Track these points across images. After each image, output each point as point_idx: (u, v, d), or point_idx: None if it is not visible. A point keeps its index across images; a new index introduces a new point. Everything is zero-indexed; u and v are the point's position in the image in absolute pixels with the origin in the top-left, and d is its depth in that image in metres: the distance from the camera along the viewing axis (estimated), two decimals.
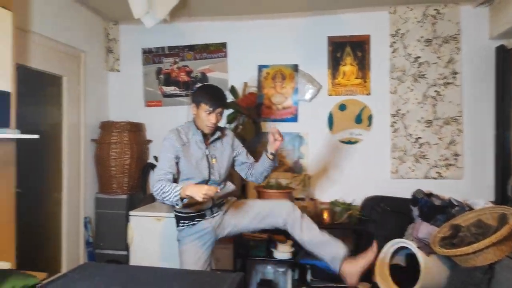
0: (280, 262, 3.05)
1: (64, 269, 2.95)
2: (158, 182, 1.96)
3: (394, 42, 3.23)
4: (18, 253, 2.15)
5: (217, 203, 2.19)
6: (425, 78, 3.18)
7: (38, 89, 2.93)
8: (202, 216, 2.16)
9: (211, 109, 2.06)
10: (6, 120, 2.07)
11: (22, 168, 2.35)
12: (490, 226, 2.28)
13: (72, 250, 3.07)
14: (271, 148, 2.16)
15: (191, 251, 2.13)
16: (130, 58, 3.63)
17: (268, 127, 3.39)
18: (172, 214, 2.38)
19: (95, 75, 3.44)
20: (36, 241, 2.84)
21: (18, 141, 2.23)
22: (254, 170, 2.29)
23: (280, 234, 3.07)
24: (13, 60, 2.10)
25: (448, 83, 3.15)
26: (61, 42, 2.94)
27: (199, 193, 1.80)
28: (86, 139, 3.25)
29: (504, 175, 2.92)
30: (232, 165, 2.30)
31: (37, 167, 2.91)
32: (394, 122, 3.22)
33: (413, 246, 2.45)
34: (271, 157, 2.17)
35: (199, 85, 3.47)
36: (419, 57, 3.18)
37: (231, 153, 2.26)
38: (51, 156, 2.98)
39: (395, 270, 2.61)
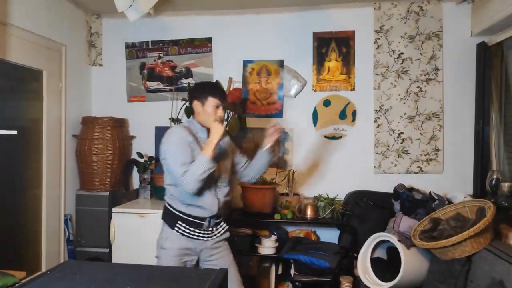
0: (264, 257, 3.07)
1: (44, 267, 2.90)
2: (184, 175, 1.91)
3: (378, 39, 3.26)
4: None
5: (216, 222, 2.17)
6: (408, 74, 3.22)
7: (17, 84, 2.86)
8: (200, 226, 2.10)
9: (220, 102, 2.07)
10: None
11: (1, 164, 2.30)
12: (468, 219, 2.33)
13: (52, 248, 3.02)
14: (269, 140, 2.18)
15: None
16: (113, 52, 3.57)
17: (253, 122, 3.39)
18: (156, 212, 2.36)
19: (77, 70, 3.37)
20: (14, 239, 2.78)
21: None
22: (249, 169, 2.29)
23: (264, 229, 3.09)
24: None
25: (430, 79, 3.20)
26: (41, 36, 2.87)
27: (217, 128, 1.91)
28: (67, 134, 3.19)
29: (483, 169, 2.99)
30: None
31: (16, 163, 2.85)
32: (378, 117, 3.26)
33: (394, 240, 2.49)
34: (270, 149, 2.18)
35: (185, 80, 3.46)
36: (402, 53, 3.22)
37: (230, 151, 2.26)
38: (30, 152, 2.92)
39: (376, 263, 2.66)
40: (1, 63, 2.43)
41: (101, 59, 3.59)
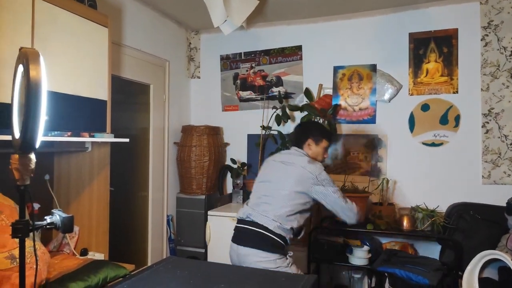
0: (356, 268, 2.96)
1: (150, 262, 3.19)
2: (353, 203, 2.17)
3: (486, 35, 2.95)
4: (110, 246, 2.38)
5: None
6: None
7: (129, 97, 3.22)
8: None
9: (329, 145, 2.33)
10: (103, 126, 2.30)
11: (115, 168, 2.60)
12: None
13: (156, 245, 3.31)
14: None
15: None
16: (209, 65, 3.82)
17: (345, 129, 3.32)
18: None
19: (178, 82, 3.68)
20: (126, 236, 3.12)
21: (112, 144, 2.48)
22: None
23: (356, 239, 2.99)
24: (109, 71, 2.34)
25: None
26: (148, 53, 3.20)
27: None
28: (169, 142, 3.49)
29: None
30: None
31: (128, 168, 3.20)
32: (486, 122, 2.94)
33: (507, 259, 2.20)
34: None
35: (276, 89, 3.54)
36: None
37: None
38: (140, 158, 3.25)
39: (485, 284, 2.38)
40: (117, 79, 2.76)
41: (199, 72, 3.86)
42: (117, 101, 2.75)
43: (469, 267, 2.42)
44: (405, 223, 2.81)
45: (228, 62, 3.75)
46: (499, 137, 2.91)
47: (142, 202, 3.24)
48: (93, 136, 2.17)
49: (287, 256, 2.08)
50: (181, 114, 3.73)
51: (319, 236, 3.09)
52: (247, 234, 2.08)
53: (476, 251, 2.43)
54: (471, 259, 2.43)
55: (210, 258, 2.93)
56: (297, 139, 2.32)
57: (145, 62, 3.19)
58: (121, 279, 1.78)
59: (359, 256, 2.82)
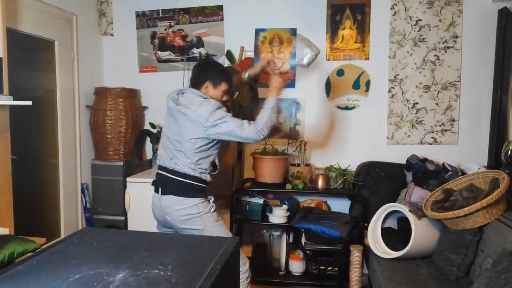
0: (276, 226, 3.13)
1: (63, 234, 3.01)
2: (251, 124, 2.08)
3: (395, 4, 3.14)
4: (16, 219, 2.19)
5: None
6: (425, 42, 3.12)
7: (29, 54, 2.87)
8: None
9: (229, 88, 2.25)
10: None
11: (17, 134, 2.35)
12: (481, 190, 2.32)
13: (70, 216, 3.12)
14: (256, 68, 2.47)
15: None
16: (123, 21, 3.53)
17: (265, 93, 3.35)
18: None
19: (88, 40, 3.35)
20: (34, 207, 2.88)
21: (12, 107, 2.21)
22: None
23: (275, 199, 3.13)
24: (3, 24, 2.04)
25: (449, 47, 3.10)
26: (51, 5, 2.85)
27: (278, 77, 2.28)
28: (80, 105, 3.23)
29: (499, 140, 2.93)
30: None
31: (32, 134, 2.90)
32: (392, 87, 3.20)
33: (405, 210, 2.50)
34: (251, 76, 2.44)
35: (197, 50, 3.41)
36: (420, 20, 3.11)
37: None
38: (45, 123, 2.96)
39: (387, 233, 2.68)
40: (14, 33, 2.43)
41: (112, 29, 3.56)
42: (16, 58, 2.44)
43: (373, 219, 2.70)
44: (320, 182, 3.01)
45: (145, 19, 3.50)
46: (402, 101, 3.19)
47: (51, 170, 3.00)
48: None
49: (209, 200, 2.18)
50: (93, 75, 3.44)
51: (240, 197, 3.17)
52: (166, 182, 2.14)
53: (380, 205, 2.71)
54: (375, 212, 2.71)
55: (131, 226, 2.85)
56: (194, 80, 2.23)
57: (48, 15, 2.84)
58: (30, 253, 1.65)
59: (278, 215, 2.98)
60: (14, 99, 2.08)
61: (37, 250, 1.74)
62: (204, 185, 2.16)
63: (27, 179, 2.75)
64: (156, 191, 2.18)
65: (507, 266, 1.76)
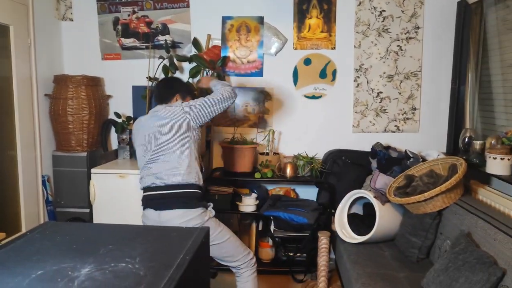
0: (245, 215, 3.14)
1: (24, 229, 2.89)
2: (216, 90, 2.19)
3: None
4: None
5: None
6: (389, 32, 3.20)
7: None
8: None
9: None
10: None
11: None
12: (441, 175, 2.43)
13: (31, 210, 2.99)
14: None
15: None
16: (83, 6, 3.37)
17: (233, 81, 3.34)
18: (136, 172, 2.38)
19: (45, 25, 3.18)
20: None
21: None
22: None
23: (244, 188, 3.14)
24: None
25: (410, 38, 3.19)
26: None
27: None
28: (39, 93, 3.07)
29: (457, 128, 3.07)
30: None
31: None
32: (358, 76, 3.26)
33: (370, 196, 2.58)
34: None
35: (162, 37, 3.32)
36: (384, 10, 3.18)
37: None
38: (1, 112, 2.80)
39: (353, 219, 2.77)
40: None
41: (71, 13, 3.39)
42: None
43: (340, 205, 2.77)
44: (289, 170, 3.04)
45: (106, 4, 3.36)
46: (367, 91, 3.27)
47: (9, 162, 2.85)
48: None
49: (209, 208, 2.19)
50: (52, 62, 3.28)
51: (210, 187, 3.15)
52: (163, 199, 2.08)
53: (346, 191, 2.79)
54: (342, 199, 2.78)
55: (97, 219, 2.77)
56: (162, 95, 2.29)
57: None
58: None
59: (248, 204, 3.00)
60: None
61: None
62: (200, 191, 2.15)
63: None
64: (151, 207, 2.11)
65: (464, 248, 1.86)
